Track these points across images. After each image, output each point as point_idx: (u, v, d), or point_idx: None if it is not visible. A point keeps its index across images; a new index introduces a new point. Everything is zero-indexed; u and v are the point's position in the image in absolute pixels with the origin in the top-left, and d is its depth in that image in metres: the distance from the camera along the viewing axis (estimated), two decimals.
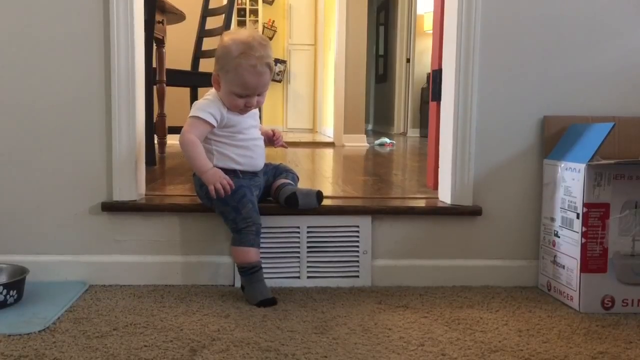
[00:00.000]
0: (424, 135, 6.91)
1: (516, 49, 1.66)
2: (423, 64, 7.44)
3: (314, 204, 1.57)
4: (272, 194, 1.64)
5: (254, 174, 1.57)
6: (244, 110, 1.52)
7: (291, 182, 1.64)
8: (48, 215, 1.61)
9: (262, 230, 1.53)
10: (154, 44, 2.90)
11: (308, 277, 1.62)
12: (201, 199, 1.57)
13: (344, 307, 1.44)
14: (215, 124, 1.49)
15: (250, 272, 1.46)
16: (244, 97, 1.48)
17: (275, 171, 1.67)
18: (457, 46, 1.64)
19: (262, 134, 1.65)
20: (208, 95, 1.54)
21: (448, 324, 1.34)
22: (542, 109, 1.66)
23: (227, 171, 1.50)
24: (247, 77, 1.45)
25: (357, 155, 3.94)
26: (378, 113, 9.44)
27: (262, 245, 1.54)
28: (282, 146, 1.73)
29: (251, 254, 1.46)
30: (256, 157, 1.57)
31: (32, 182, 1.60)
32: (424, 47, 7.43)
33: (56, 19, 1.58)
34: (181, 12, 3.16)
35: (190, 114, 1.50)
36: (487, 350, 1.19)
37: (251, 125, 1.57)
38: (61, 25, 1.58)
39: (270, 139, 1.69)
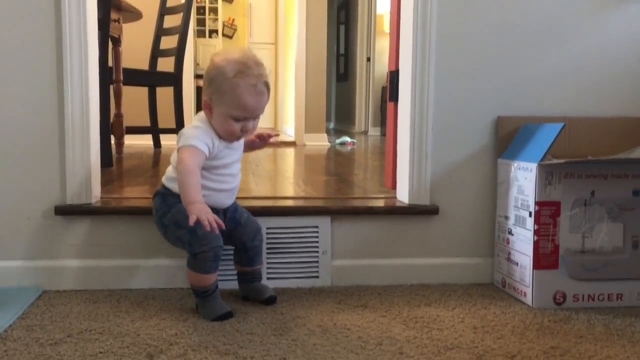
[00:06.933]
0: (384, 133, 6.96)
1: (471, 50, 1.69)
2: (383, 63, 7.51)
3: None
4: (238, 275, 1.54)
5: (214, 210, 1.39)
6: (239, 136, 1.41)
7: (259, 276, 1.54)
8: None
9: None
10: (110, 43, 2.84)
11: (268, 278, 1.61)
12: (157, 224, 1.45)
13: (304, 308, 1.45)
14: (207, 155, 1.37)
15: (204, 294, 1.38)
16: (241, 121, 1.37)
17: (237, 224, 1.50)
18: (413, 48, 1.66)
19: (248, 142, 1.55)
20: (197, 121, 1.41)
21: (406, 322, 1.36)
22: (496, 109, 1.70)
23: None
24: (247, 97, 1.34)
25: (318, 154, 3.95)
26: (339, 112, 9.48)
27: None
28: (273, 142, 1.62)
29: (206, 279, 1.37)
30: (223, 197, 1.45)
31: None
32: (384, 46, 7.49)
33: (4, 18, 1.53)
34: (138, 10, 3.11)
35: (184, 143, 1.35)
36: (443, 347, 1.21)
37: (235, 160, 1.46)
38: (10, 24, 1.53)
39: (258, 141, 1.58)
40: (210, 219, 1.25)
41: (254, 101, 1.36)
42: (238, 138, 1.43)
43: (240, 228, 1.50)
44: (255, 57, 1.39)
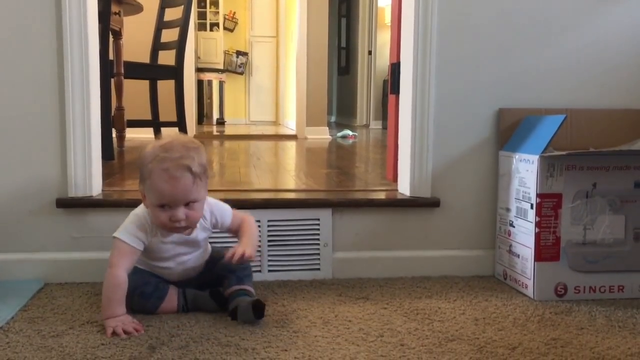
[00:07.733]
0: (386, 127, 6.95)
1: (472, 42, 1.68)
2: (385, 56, 7.49)
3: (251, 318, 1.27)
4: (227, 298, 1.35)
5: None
6: (172, 227, 1.27)
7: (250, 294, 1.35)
8: (0, 213, 1.57)
9: None
10: (111, 36, 2.84)
11: (269, 270, 1.62)
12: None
13: (305, 300, 1.45)
14: (142, 248, 1.29)
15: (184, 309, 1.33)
16: (166, 210, 1.24)
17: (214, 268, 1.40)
18: (414, 39, 1.65)
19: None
20: (138, 208, 1.34)
21: (407, 314, 1.36)
22: (497, 101, 1.70)
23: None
24: (160, 183, 1.22)
25: (320, 147, 3.95)
26: (341, 105, 9.47)
27: (225, 239, 1.53)
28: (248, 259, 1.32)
29: (168, 307, 1.33)
30: (174, 278, 1.38)
31: None
32: (386, 39, 7.46)
33: (4, 11, 1.53)
34: (139, 3, 3.10)
35: (117, 234, 1.28)
36: (444, 339, 1.21)
37: (178, 253, 1.34)
38: (10, 17, 1.53)
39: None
40: (127, 329, 1.20)
41: (167, 187, 1.22)
42: (173, 229, 1.28)
43: (220, 262, 1.37)
44: (189, 141, 1.28)
